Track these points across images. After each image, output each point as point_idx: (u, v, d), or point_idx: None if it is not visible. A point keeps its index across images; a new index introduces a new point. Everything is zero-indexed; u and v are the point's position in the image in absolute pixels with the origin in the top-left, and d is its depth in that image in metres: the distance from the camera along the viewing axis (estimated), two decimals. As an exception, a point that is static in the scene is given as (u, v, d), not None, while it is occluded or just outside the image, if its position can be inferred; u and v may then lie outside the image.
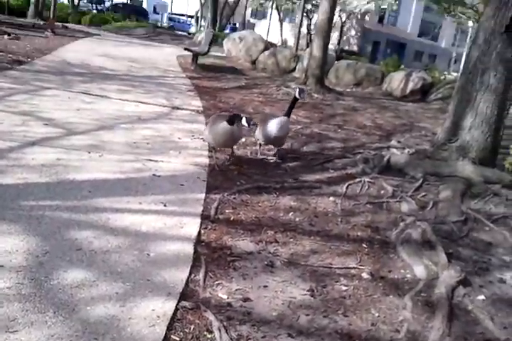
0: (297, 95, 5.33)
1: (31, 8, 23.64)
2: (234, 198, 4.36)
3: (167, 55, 15.62)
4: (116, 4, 44.64)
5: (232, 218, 3.94)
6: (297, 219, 4.11)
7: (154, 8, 50.33)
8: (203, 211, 3.95)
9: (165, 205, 3.93)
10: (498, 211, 4.75)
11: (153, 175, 4.56)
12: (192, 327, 2.51)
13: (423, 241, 3.81)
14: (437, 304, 2.97)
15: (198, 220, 3.77)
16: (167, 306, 2.63)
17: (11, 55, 9.98)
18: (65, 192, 3.83)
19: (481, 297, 3.20)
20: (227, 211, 4.07)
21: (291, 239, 3.71)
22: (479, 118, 5.65)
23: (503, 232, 4.29)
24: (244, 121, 4.71)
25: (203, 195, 4.27)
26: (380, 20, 42.60)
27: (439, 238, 3.86)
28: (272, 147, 5.84)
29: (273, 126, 5.29)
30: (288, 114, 5.38)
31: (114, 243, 3.21)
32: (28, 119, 5.64)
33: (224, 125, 4.75)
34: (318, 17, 12.09)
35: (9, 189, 3.71)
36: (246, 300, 2.84)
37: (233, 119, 4.72)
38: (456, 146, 5.79)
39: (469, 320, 2.93)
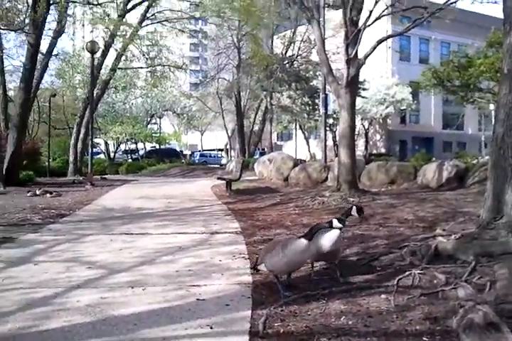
0: (354, 213, 4.98)
1: (70, 167, 25.34)
2: (281, 310, 4.22)
3: (202, 187, 16.19)
4: (150, 150, 47.51)
5: (281, 330, 3.79)
6: (350, 322, 3.91)
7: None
8: (250, 328, 3.82)
9: (211, 327, 3.83)
10: None
11: (197, 299, 4.50)
12: None
13: (486, 324, 3.54)
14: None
15: (247, 338, 3.63)
16: None
17: (53, 211, 10.52)
18: (111, 329, 3.80)
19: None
20: (275, 324, 3.92)
21: (348, 344, 3.51)
22: (521, 191, 5.54)
23: None
24: (336, 223, 4.45)
25: (249, 312, 4.16)
26: (403, 120, 43.81)
27: (503, 319, 3.58)
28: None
29: (327, 239, 4.73)
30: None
31: (162, 373, 3.09)
32: (72, 265, 5.78)
33: (301, 241, 4.31)
34: (339, 126, 12.59)
35: (55, 333, 3.70)
36: None
37: (313, 232, 4.33)
38: (502, 223, 5.59)
39: None
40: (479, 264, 4.99)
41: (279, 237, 7.18)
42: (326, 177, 15.06)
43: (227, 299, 4.50)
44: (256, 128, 36.67)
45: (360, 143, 35.73)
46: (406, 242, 6.22)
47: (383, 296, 4.48)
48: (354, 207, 5.01)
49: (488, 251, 5.22)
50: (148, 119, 48.06)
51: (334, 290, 4.69)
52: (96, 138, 37.61)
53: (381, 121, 39.48)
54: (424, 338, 3.52)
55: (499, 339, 3.30)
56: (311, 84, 30.86)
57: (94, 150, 30.36)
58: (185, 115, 49.87)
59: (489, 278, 4.60)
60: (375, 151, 38.55)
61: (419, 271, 5.00)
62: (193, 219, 9.45)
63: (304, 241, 4.31)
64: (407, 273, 4.99)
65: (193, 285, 4.93)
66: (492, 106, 26.69)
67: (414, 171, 14.13)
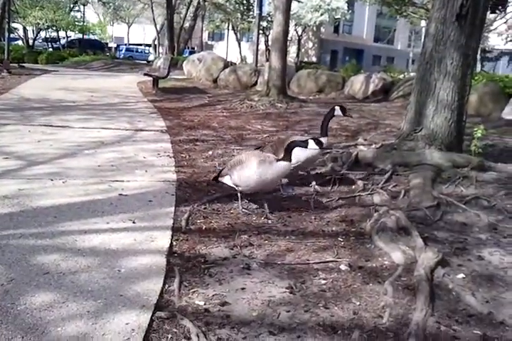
0: (338, 113, 4.89)
1: (-17, 53, 23.47)
2: (205, 208, 4.29)
3: (127, 83, 15.59)
4: (72, 40, 44.62)
5: (204, 227, 3.87)
6: (270, 222, 4.05)
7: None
8: (173, 223, 3.87)
9: (134, 222, 3.84)
10: (469, 193, 4.76)
11: (120, 194, 4.47)
12: (169, 336, 2.42)
13: (398, 228, 3.78)
14: (418, 286, 2.92)
15: (169, 233, 3.69)
16: (142, 318, 2.53)
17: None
18: (29, 220, 3.72)
19: (461, 275, 3.17)
20: (198, 221, 4.00)
21: (266, 241, 3.65)
22: (441, 105, 5.70)
23: (477, 212, 4.29)
24: (312, 144, 4.06)
25: (172, 209, 4.20)
26: (336, 29, 43.34)
27: (413, 224, 3.83)
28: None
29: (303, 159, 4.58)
30: (326, 133, 4.81)
31: (82, 263, 3.11)
32: (-13, 155, 5.52)
33: (283, 164, 3.94)
34: (273, 30, 12.24)
35: (-31, 222, 3.59)
36: (224, 304, 2.76)
37: (289, 152, 3.96)
38: (421, 135, 5.81)
39: (451, 298, 2.89)
40: (396, 173, 5.23)
41: (207, 137, 7.16)
42: (256, 82, 14.90)
43: (150, 195, 4.50)
44: (187, 24, 35.09)
45: (292, 50, 35.19)
46: (329, 149, 6.37)
47: (303, 198, 4.64)
48: (337, 107, 4.87)
49: (405, 161, 5.46)
50: (71, 6, 44.54)
51: (257, 191, 4.79)
52: (14, 22, 34.64)
53: (314, 29, 38.79)
54: (340, 238, 3.72)
55: (408, 242, 3.55)
56: (248, -19, 29.46)
57: (12, 35, 28.06)
58: (111, 4, 46.60)
59: (404, 187, 4.85)
60: (306, 59, 38.22)
61: (338, 177, 5.19)
62: (118, 115, 9.17)
63: (286, 165, 3.94)
64: (328, 177, 5.17)
65: (116, 181, 4.87)
66: (423, 23, 26.80)
67: (343, 81, 14.24)
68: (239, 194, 4.26)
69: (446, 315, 2.71)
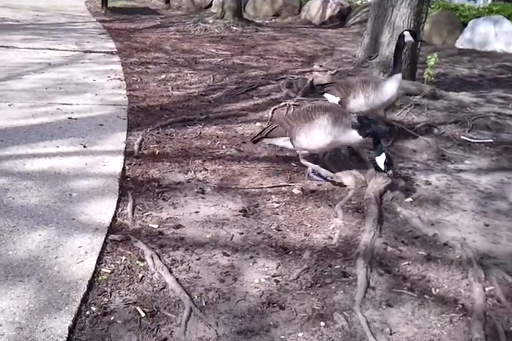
0: (409, 38, 4.08)
1: None
2: (158, 133, 4.22)
3: (74, 1, 14.65)
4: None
5: (157, 152, 3.82)
6: (225, 147, 4.03)
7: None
8: (125, 148, 3.81)
9: (84, 146, 3.75)
10: (420, 120, 4.84)
11: (69, 118, 4.33)
12: (123, 258, 2.44)
13: (350, 154, 3.83)
14: (367, 209, 3.02)
15: (122, 157, 3.63)
16: (95, 241, 2.54)
17: None
18: (-27, 143, 3.58)
19: (409, 199, 3.28)
20: (151, 146, 3.94)
21: (220, 166, 3.65)
22: (396, 32, 5.60)
23: (427, 139, 4.40)
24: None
25: (124, 133, 4.11)
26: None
27: (365, 150, 3.89)
28: None
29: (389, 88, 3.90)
30: (399, 69, 3.96)
31: (32, 187, 3.05)
32: None
33: (357, 136, 3.20)
34: None
35: None
36: (178, 227, 2.78)
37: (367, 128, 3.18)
38: (376, 62, 5.79)
39: (398, 221, 3.00)
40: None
41: (159, 60, 6.92)
42: (211, 3, 14.25)
43: (101, 119, 4.37)
44: None
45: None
46: (284, 75, 6.29)
47: (258, 124, 4.61)
48: (406, 32, 4.10)
49: (360, 88, 5.45)
50: None
51: (211, 116, 4.72)
52: None
53: None
54: (293, 163, 3.72)
55: (360, 168, 3.61)
56: None
57: None
58: None
59: (357, 113, 4.87)
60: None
61: (293, 103, 5.15)
62: (65, 35, 8.69)
63: (357, 136, 3.21)
64: (283, 103, 5.13)
65: (65, 104, 4.70)
66: None
67: (300, 6, 13.79)
68: (303, 160, 3.45)
69: (393, 236, 2.82)
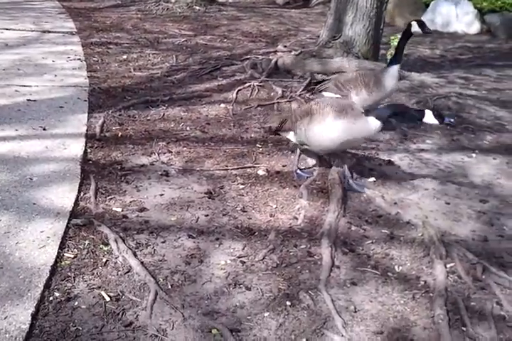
0: (416, 29, 3.94)
1: None
2: (120, 115, 4.14)
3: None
4: None
5: (119, 134, 3.76)
6: (189, 129, 3.99)
7: None
8: (87, 130, 3.73)
9: (44, 129, 3.66)
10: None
11: (28, 100, 4.22)
12: (86, 242, 2.41)
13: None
14: (331, 189, 3.04)
15: (83, 140, 3.56)
16: (57, 226, 2.49)
17: None
18: None
19: (372, 179, 3.32)
20: (113, 128, 3.87)
21: (185, 148, 3.62)
22: (360, 13, 5.65)
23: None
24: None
25: (85, 115, 4.02)
26: None
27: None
28: None
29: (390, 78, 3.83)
30: (400, 59, 3.87)
31: (-10, 172, 2.96)
32: None
33: (375, 123, 2.94)
34: None
35: None
36: (142, 210, 2.76)
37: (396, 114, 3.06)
38: (340, 43, 5.81)
39: (362, 200, 3.04)
40: (314, 80, 5.23)
41: (121, 40, 6.78)
42: (172, -18, 14.00)
43: (61, 101, 4.27)
44: None
45: None
46: (248, 55, 6.24)
47: (222, 105, 4.58)
48: (414, 22, 3.96)
49: (324, 69, 5.47)
50: None
51: (175, 97, 4.67)
52: None
53: None
54: (258, 145, 3.74)
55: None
56: None
57: None
58: None
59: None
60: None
61: (258, 83, 5.13)
62: (22, 14, 8.42)
63: (377, 124, 2.96)
64: (247, 84, 5.10)
65: (23, 85, 4.56)
66: None
67: (264, -16, 13.67)
68: (297, 151, 3.34)
69: (357, 216, 2.86)
